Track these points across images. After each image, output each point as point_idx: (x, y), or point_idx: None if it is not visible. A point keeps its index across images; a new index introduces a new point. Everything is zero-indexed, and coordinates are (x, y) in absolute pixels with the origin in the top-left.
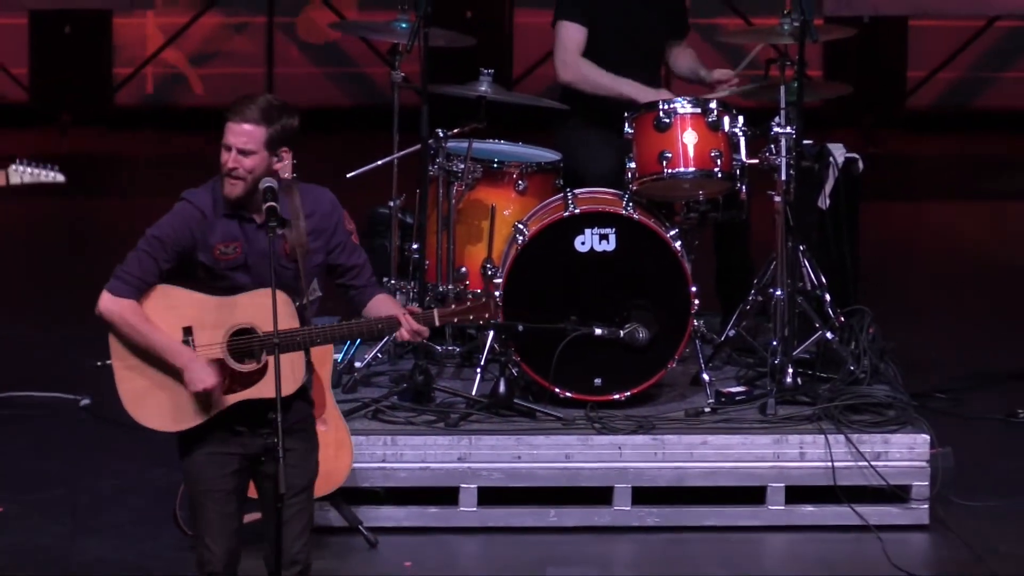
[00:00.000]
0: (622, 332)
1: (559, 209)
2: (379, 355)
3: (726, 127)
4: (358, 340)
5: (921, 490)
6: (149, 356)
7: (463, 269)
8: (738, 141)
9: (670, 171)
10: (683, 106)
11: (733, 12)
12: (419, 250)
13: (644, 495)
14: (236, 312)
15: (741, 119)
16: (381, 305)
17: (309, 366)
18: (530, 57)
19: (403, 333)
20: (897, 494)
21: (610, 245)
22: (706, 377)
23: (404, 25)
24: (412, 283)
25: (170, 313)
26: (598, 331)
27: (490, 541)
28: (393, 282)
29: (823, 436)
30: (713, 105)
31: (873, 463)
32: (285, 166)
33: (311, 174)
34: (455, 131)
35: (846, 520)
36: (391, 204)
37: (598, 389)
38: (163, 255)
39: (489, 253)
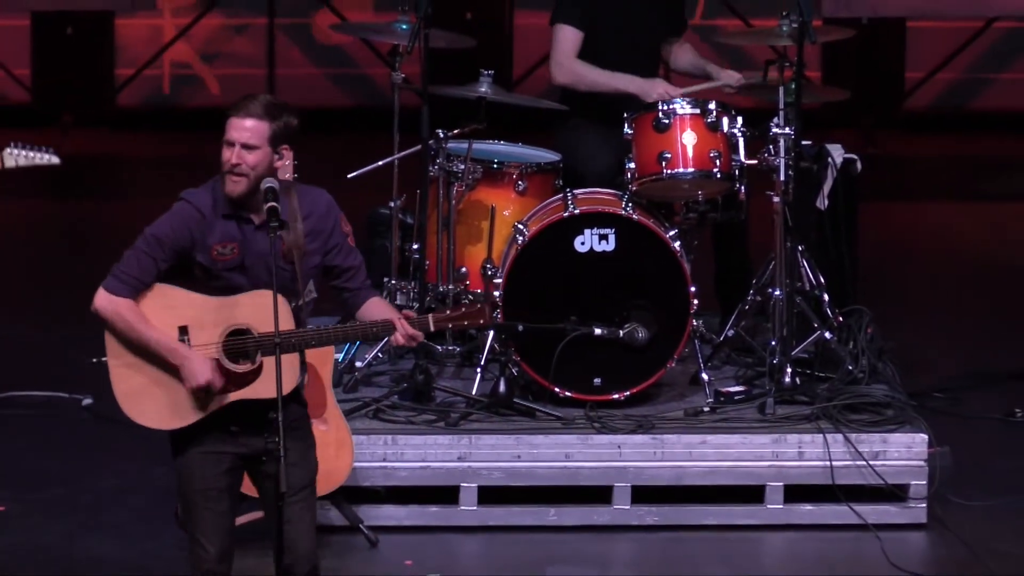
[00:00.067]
0: (621, 332)
1: (559, 209)
2: (380, 355)
3: (725, 128)
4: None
5: (919, 489)
6: (144, 354)
7: (463, 269)
8: (737, 142)
9: (669, 171)
10: (682, 107)
11: (732, 13)
12: (419, 250)
13: (643, 494)
14: (232, 312)
15: (740, 120)
16: (375, 308)
17: (303, 367)
18: (530, 58)
19: (398, 338)
20: (895, 493)
21: (610, 245)
22: (705, 377)
23: (405, 26)
24: (412, 283)
25: (166, 312)
26: (598, 331)
27: (490, 540)
28: (394, 282)
29: (821, 435)
30: (712, 106)
31: (871, 462)
32: (286, 166)
33: (312, 174)
34: (455, 132)
35: (844, 519)
36: (392, 204)
37: (598, 389)
38: (161, 255)
39: (489, 253)
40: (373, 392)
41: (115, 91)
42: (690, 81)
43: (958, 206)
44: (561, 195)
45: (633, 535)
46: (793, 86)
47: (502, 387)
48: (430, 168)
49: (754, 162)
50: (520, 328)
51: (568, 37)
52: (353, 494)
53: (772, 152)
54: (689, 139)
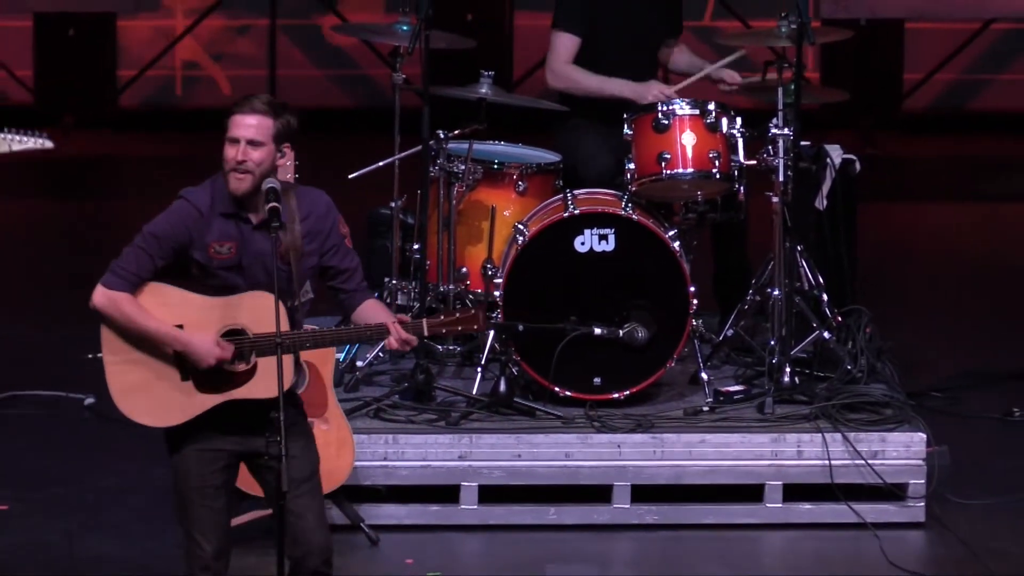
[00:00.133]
0: (621, 332)
1: (559, 210)
2: (380, 354)
3: (724, 128)
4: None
5: (917, 488)
6: (141, 350)
7: (463, 269)
8: (736, 142)
9: (669, 172)
10: (681, 107)
11: (731, 15)
12: (420, 250)
13: (643, 493)
14: (228, 313)
15: (739, 120)
16: (371, 311)
17: (298, 368)
18: (530, 59)
19: (392, 341)
20: (894, 492)
21: (609, 245)
22: (704, 376)
23: (405, 28)
24: (413, 283)
25: (162, 311)
26: (597, 331)
27: (490, 539)
28: (394, 282)
29: (820, 435)
30: (711, 106)
31: (870, 461)
32: (287, 165)
33: (313, 175)
34: (456, 132)
35: (843, 518)
36: (392, 205)
37: (597, 388)
38: (158, 252)
39: (489, 253)
40: (374, 392)
41: (117, 92)
42: (684, 79)
43: (957, 206)
44: (561, 195)
45: (633, 534)
46: (792, 87)
47: (502, 387)
48: (431, 168)
49: (753, 163)
50: (520, 328)
51: (565, 44)
52: (354, 493)
53: (771, 153)
54: (688, 140)
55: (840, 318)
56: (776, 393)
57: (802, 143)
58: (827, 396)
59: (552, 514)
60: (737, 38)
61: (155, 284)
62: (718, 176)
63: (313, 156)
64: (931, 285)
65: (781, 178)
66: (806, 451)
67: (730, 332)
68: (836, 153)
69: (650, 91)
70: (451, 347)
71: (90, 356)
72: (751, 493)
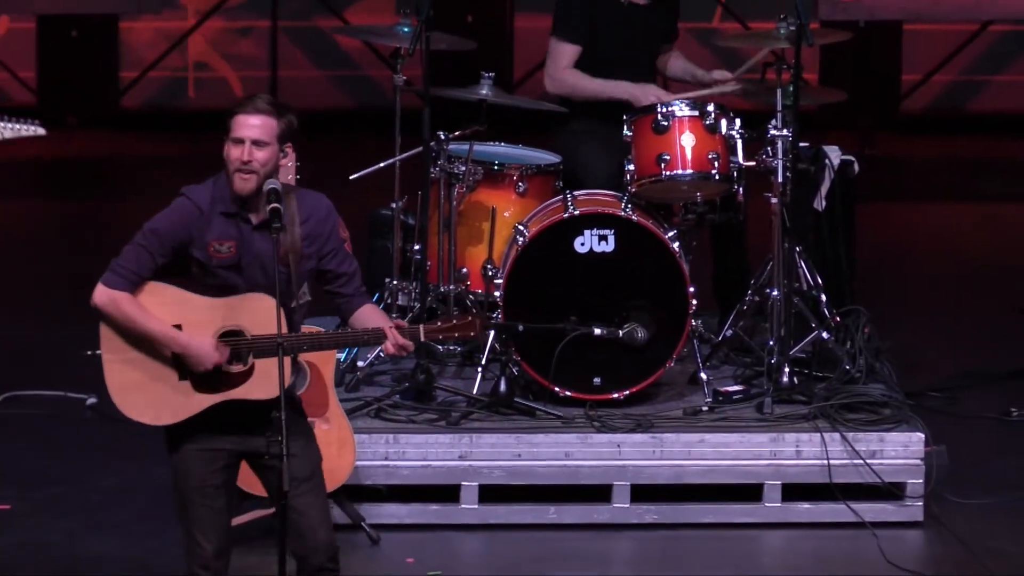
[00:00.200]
0: (621, 332)
1: (559, 211)
2: (381, 355)
3: (723, 130)
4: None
5: (916, 487)
6: (139, 349)
7: (464, 270)
8: (735, 143)
9: (668, 173)
10: (681, 109)
11: (731, 16)
12: (421, 251)
13: (643, 492)
14: (226, 314)
15: (738, 122)
16: (367, 316)
17: (296, 369)
18: (530, 61)
19: (388, 346)
20: (892, 491)
21: (609, 246)
22: (704, 376)
23: (406, 29)
24: (414, 284)
25: (161, 311)
26: (597, 331)
27: (491, 538)
28: (395, 283)
29: (819, 434)
30: (711, 108)
31: (868, 461)
32: (288, 166)
33: (314, 175)
34: (456, 134)
35: (842, 517)
36: (393, 206)
37: (597, 388)
38: (159, 249)
39: (490, 254)
40: (375, 391)
41: (119, 93)
42: (684, 88)
43: (955, 207)
44: (561, 196)
45: (632, 533)
46: (791, 88)
47: (502, 386)
48: (431, 170)
49: (752, 164)
50: (520, 328)
51: (564, 52)
52: (355, 492)
53: (770, 154)
54: (688, 141)
55: (839, 318)
56: (775, 393)
57: (801, 144)
58: (826, 396)
59: (552, 513)
60: (736, 39)
61: (155, 283)
62: (717, 177)
63: (314, 157)
64: (930, 285)
65: (780, 179)
66: (805, 451)
67: (729, 332)
68: (835, 154)
69: (647, 95)
70: (451, 347)
71: (89, 353)
72: (750, 493)
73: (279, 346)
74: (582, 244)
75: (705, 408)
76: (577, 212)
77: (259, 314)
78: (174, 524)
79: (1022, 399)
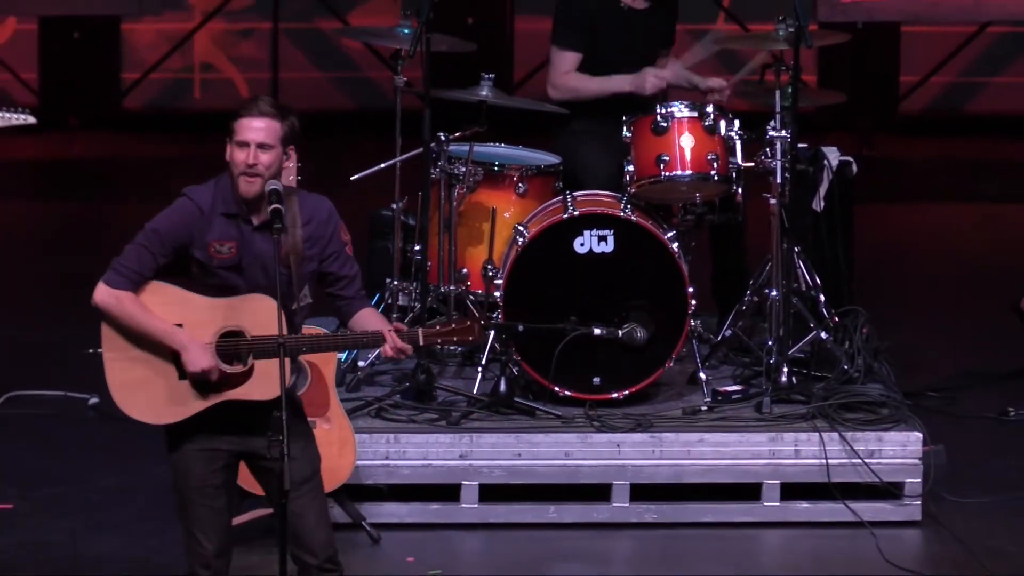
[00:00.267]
0: (620, 332)
1: (559, 211)
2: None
3: (722, 131)
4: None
5: (914, 487)
6: (140, 348)
7: (464, 270)
8: (734, 144)
9: (667, 174)
10: (680, 110)
11: (730, 18)
12: (421, 251)
13: (642, 492)
14: (227, 314)
15: (737, 123)
16: (367, 319)
17: (295, 370)
18: (530, 62)
19: (387, 349)
20: (890, 491)
21: (609, 247)
22: (703, 376)
23: (407, 31)
24: (414, 284)
25: (162, 310)
26: (597, 331)
27: (491, 537)
28: (396, 283)
29: (818, 434)
30: (710, 109)
31: (867, 460)
32: (290, 168)
33: (315, 176)
34: (456, 135)
35: (840, 516)
36: (394, 206)
37: (597, 388)
38: (160, 249)
39: (490, 254)
40: (375, 391)
41: (121, 94)
42: (681, 94)
43: (953, 208)
44: (561, 197)
45: (632, 532)
46: (789, 90)
47: (503, 386)
48: (432, 170)
49: (751, 165)
50: (520, 328)
51: (564, 59)
52: (356, 492)
53: (769, 155)
54: (687, 142)
55: (837, 318)
56: (774, 393)
57: (799, 145)
58: (824, 396)
59: (552, 513)
60: (736, 41)
61: (156, 283)
62: (716, 178)
63: (315, 158)
64: (928, 285)
65: (779, 180)
66: (803, 450)
67: (728, 332)
68: (833, 155)
69: (647, 81)
70: (451, 348)
71: (90, 351)
72: (749, 492)
73: (280, 346)
74: (582, 244)
75: (704, 408)
76: (577, 213)
77: (260, 315)
78: (175, 524)
79: (1020, 399)
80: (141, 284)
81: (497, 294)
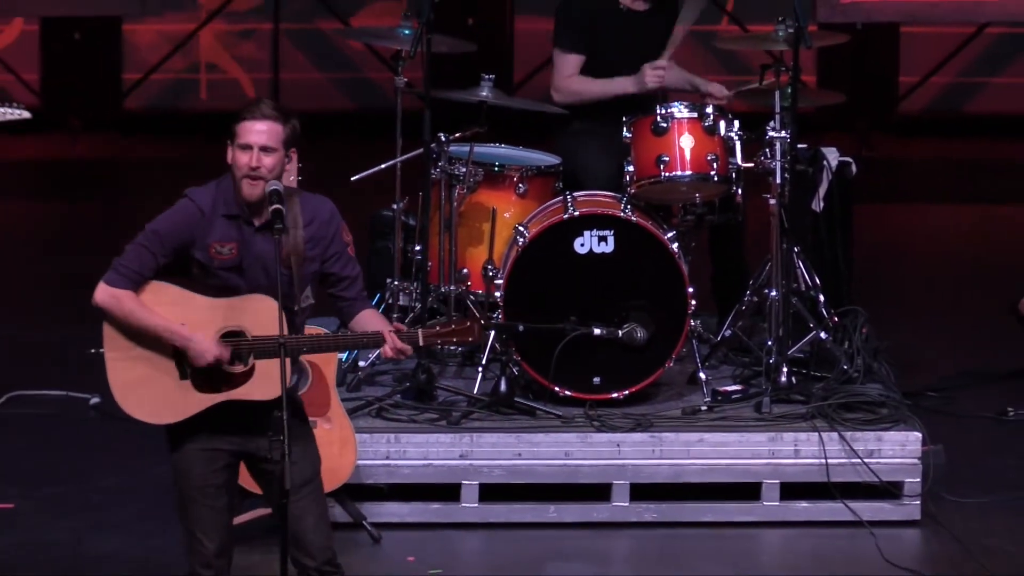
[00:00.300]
0: (620, 332)
1: (559, 212)
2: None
3: (722, 131)
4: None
5: (913, 486)
6: (142, 348)
7: (464, 270)
8: (734, 145)
9: (667, 174)
10: (680, 111)
11: (729, 19)
12: (422, 252)
13: (642, 491)
14: (228, 314)
15: (737, 123)
16: (368, 320)
17: (296, 370)
18: (530, 63)
19: (387, 350)
20: (889, 490)
21: (609, 247)
22: (703, 376)
23: (407, 31)
24: (415, 284)
25: (163, 310)
26: (597, 331)
27: (491, 536)
28: (396, 283)
29: (817, 434)
30: (709, 110)
31: (866, 460)
32: (291, 169)
33: (316, 177)
34: (457, 135)
35: (839, 516)
36: (394, 207)
37: (597, 388)
38: (161, 249)
39: (490, 255)
40: (376, 391)
41: (122, 95)
42: (682, 97)
43: (952, 208)
44: (561, 197)
45: (632, 532)
46: (789, 91)
47: (503, 386)
48: (432, 171)
49: (751, 165)
50: (520, 328)
51: (567, 62)
52: (356, 491)
53: (768, 155)
54: (687, 142)
55: (836, 318)
56: (773, 393)
57: (799, 146)
58: (824, 396)
59: (552, 512)
60: (736, 42)
61: (157, 283)
62: (716, 178)
63: (316, 158)
64: (927, 286)
65: (778, 180)
66: (803, 450)
67: (728, 332)
68: (832, 156)
69: (647, 79)
70: (451, 348)
71: (92, 351)
72: (749, 491)
73: (280, 347)
74: (582, 245)
75: (704, 408)
76: (577, 213)
77: (260, 315)
78: (175, 524)
79: (1018, 399)
80: (141, 284)
81: (497, 294)
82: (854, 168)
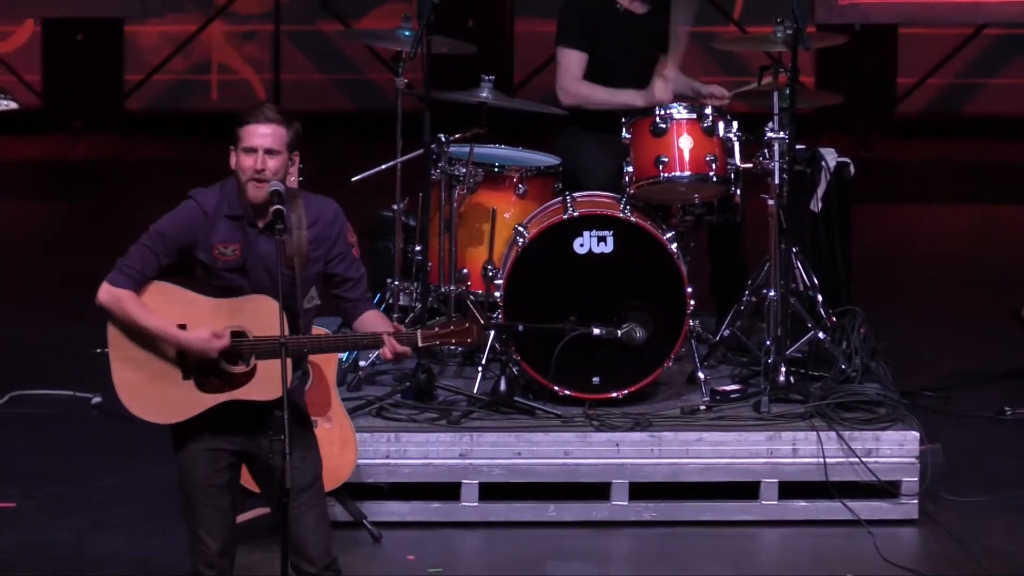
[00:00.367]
0: (620, 332)
1: (558, 212)
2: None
3: (721, 132)
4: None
5: (911, 486)
6: (145, 348)
7: (464, 271)
8: (732, 146)
9: (666, 175)
10: (679, 112)
11: (728, 20)
12: (422, 252)
13: (641, 490)
14: (230, 315)
15: (735, 124)
16: (371, 322)
17: (300, 371)
18: (530, 64)
19: (386, 352)
20: (887, 490)
21: (608, 247)
22: (701, 376)
23: (407, 33)
24: (415, 284)
25: (166, 310)
26: (596, 331)
27: (491, 535)
28: (397, 283)
29: (815, 433)
30: (708, 111)
31: (864, 459)
32: (292, 170)
33: (317, 177)
34: (457, 136)
35: (837, 515)
36: (395, 207)
37: (596, 387)
38: (164, 250)
39: (490, 255)
40: (376, 391)
41: (124, 96)
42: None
43: (950, 209)
44: (560, 198)
45: (631, 531)
46: (787, 92)
47: (503, 386)
48: (432, 172)
49: (749, 166)
50: (520, 328)
51: (572, 60)
52: (357, 490)
53: (767, 156)
54: (686, 143)
55: (835, 318)
56: (772, 392)
57: (797, 147)
58: (822, 395)
59: (551, 511)
60: (734, 43)
61: (160, 283)
62: (715, 179)
63: (316, 159)
64: (925, 286)
65: (777, 181)
66: (801, 449)
67: (727, 332)
68: (831, 156)
69: (655, 90)
70: (451, 348)
71: (98, 351)
72: (747, 490)
73: (281, 347)
74: (581, 245)
75: (703, 407)
76: (576, 213)
77: (262, 316)
78: (176, 523)
79: (1016, 398)
80: (144, 284)
81: (497, 294)
82: (852, 169)
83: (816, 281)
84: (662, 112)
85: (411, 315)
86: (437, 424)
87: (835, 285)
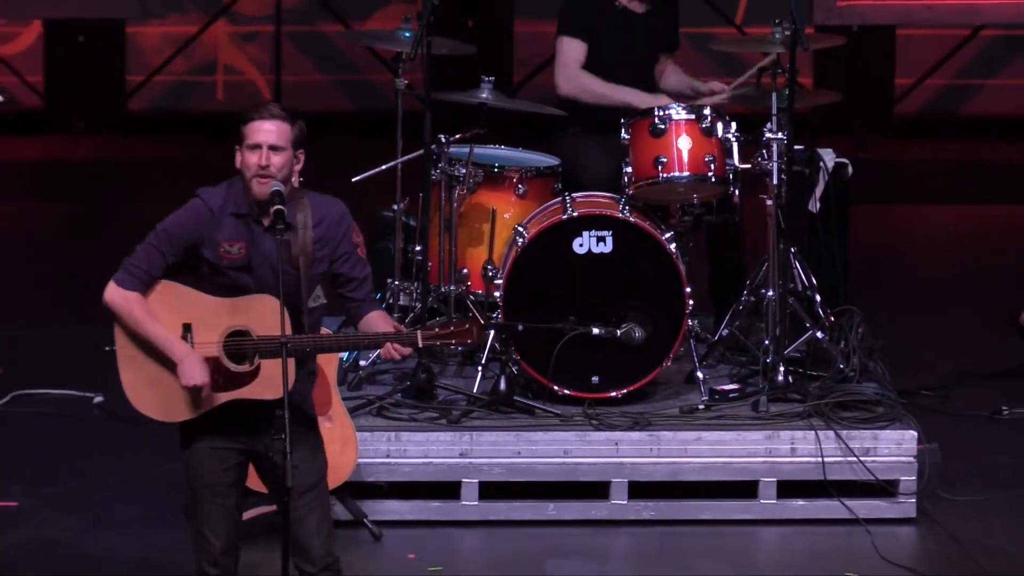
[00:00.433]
0: (619, 331)
1: (558, 212)
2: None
3: (719, 133)
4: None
5: (909, 485)
6: (150, 347)
7: (464, 271)
8: (731, 146)
9: (665, 175)
10: (678, 112)
11: (726, 21)
12: (422, 252)
13: (640, 489)
14: (234, 314)
15: (734, 125)
16: (374, 322)
17: (307, 371)
18: (530, 65)
19: (385, 352)
20: (885, 488)
21: (607, 247)
22: (700, 375)
23: (408, 34)
24: (415, 284)
25: (172, 309)
26: (595, 330)
27: (491, 534)
28: (397, 283)
29: (813, 432)
30: (707, 111)
31: (862, 458)
32: (296, 171)
33: (317, 178)
34: (457, 137)
35: (836, 514)
36: (395, 207)
37: (595, 387)
38: (170, 249)
39: (490, 255)
40: (377, 390)
41: (126, 97)
42: (683, 101)
43: (948, 209)
44: (560, 198)
45: (630, 529)
46: (786, 92)
47: (502, 385)
48: (432, 172)
49: (748, 166)
50: (520, 328)
51: (573, 48)
52: (357, 489)
53: (765, 156)
54: (684, 144)
55: (833, 318)
56: (770, 392)
57: (796, 147)
58: (820, 394)
59: (551, 510)
60: (733, 44)
61: (166, 283)
62: (713, 179)
63: (317, 159)
64: (923, 286)
65: (775, 181)
66: (799, 448)
67: (725, 332)
68: (829, 157)
69: (658, 104)
70: (451, 348)
71: (107, 348)
72: (746, 489)
73: (283, 347)
74: (580, 245)
75: (701, 406)
76: (576, 214)
77: (266, 315)
78: (177, 523)
79: (1013, 397)
80: (150, 283)
81: (497, 294)
82: (850, 169)
83: (814, 281)
84: (661, 113)
85: (411, 315)
86: (437, 423)
87: (833, 285)
